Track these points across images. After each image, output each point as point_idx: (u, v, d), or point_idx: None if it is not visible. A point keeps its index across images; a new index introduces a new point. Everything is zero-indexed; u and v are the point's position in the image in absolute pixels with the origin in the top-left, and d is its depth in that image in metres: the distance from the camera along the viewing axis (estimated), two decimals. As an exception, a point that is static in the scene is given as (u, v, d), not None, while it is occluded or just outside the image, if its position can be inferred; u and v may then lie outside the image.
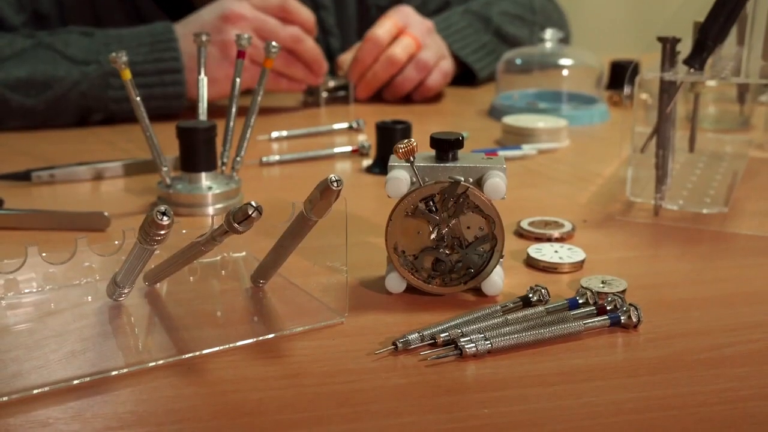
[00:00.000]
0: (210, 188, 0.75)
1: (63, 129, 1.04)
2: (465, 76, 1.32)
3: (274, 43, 0.76)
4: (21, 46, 1.02)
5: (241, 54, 0.77)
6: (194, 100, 0.90)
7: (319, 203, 0.49)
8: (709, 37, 0.69)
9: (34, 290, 0.55)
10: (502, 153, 0.92)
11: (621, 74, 1.27)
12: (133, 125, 0.94)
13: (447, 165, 0.56)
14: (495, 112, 1.13)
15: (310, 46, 1.10)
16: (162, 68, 1.04)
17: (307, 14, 1.10)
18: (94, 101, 1.03)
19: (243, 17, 1.04)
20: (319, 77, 1.14)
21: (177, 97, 1.05)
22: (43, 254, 0.53)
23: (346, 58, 1.24)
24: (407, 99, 1.22)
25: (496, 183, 0.54)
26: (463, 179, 0.55)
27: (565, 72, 1.15)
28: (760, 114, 1.07)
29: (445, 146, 0.56)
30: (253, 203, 0.46)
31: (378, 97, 1.23)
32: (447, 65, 1.22)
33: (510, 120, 1.00)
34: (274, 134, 1.02)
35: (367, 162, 0.91)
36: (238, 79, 0.77)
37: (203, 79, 0.79)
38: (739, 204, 0.78)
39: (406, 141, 0.54)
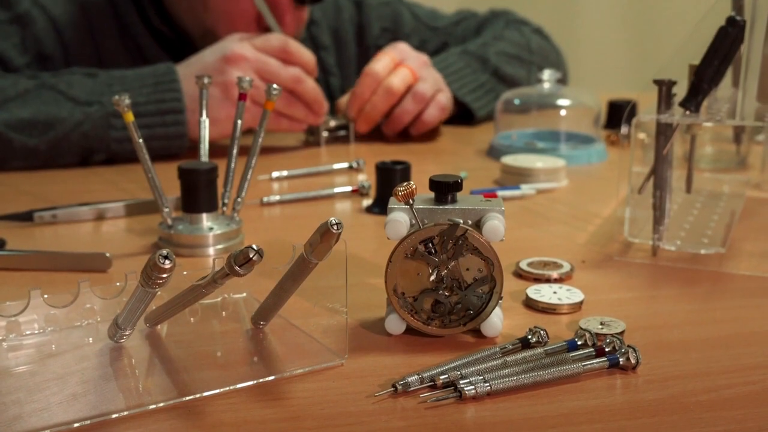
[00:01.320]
0: (211, 229, 0.75)
1: (65, 169, 1.05)
2: (463, 116, 1.33)
3: (275, 86, 0.77)
4: (24, 87, 1.03)
5: (242, 96, 0.78)
6: (196, 141, 0.91)
7: (319, 246, 0.50)
8: (704, 80, 0.70)
9: (36, 332, 0.55)
10: (501, 193, 0.93)
11: (618, 114, 1.29)
12: (135, 165, 0.95)
13: (446, 207, 0.57)
14: (494, 152, 1.14)
15: (311, 87, 1.11)
16: (164, 109, 1.05)
17: (307, 55, 1.11)
18: (96, 141, 1.04)
19: (244, 58, 1.06)
20: (320, 117, 1.15)
21: (179, 137, 1.06)
22: (45, 296, 0.53)
23: (345, 101, 1.24)
24: (405, 134, 1.23)
25: (495, 225, 0.55)
26: (461, 221, 0.55)
27: (563, 112, 1.17)
28: (756, 153, 1.08)
29: (444, 189, 0.57)
30: (254, 246, 0.46)
31: (378, 136, 1.24)
32: (444, 98, 1.23)
33: (509, 160, 1.01)
34: (275, 174, 1.02)
35: (366, 202, 0.92)
36: (239, 121, 0.78)
37: (205, 121, 0.80)
38: (736, 244, 0.78)
39: (405, 184, 0.54)
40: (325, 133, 1.22)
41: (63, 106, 1.02)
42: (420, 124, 1.22)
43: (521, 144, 1.15)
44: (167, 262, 0.45)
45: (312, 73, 1.12)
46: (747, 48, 0.72)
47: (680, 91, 0.73)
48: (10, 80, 1.04)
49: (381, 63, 1.19)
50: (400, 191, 0.54)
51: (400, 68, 1.19)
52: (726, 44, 0.70)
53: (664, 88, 0.73)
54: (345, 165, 1.06)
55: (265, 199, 0.91)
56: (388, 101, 1.18)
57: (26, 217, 0.83)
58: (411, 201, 0.55)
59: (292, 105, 1.11)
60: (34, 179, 1.01)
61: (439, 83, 1.24)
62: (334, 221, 0.49)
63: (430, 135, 1.26)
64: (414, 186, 0.54)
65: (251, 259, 0.46)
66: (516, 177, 0.99)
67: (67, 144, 1.03)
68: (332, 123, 1.22)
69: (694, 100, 0.71)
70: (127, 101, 0.71)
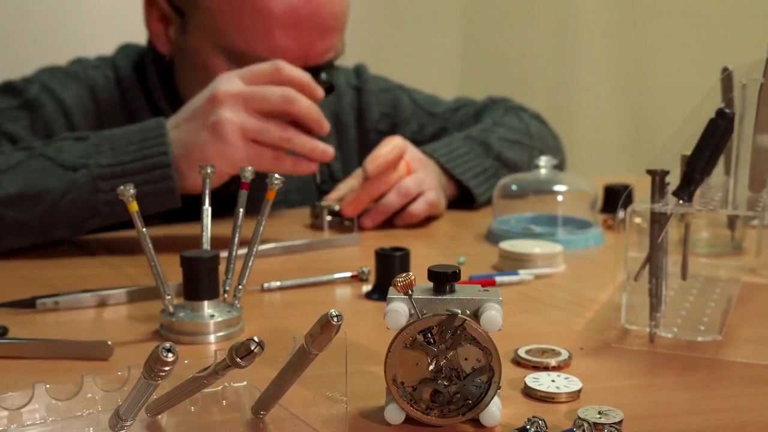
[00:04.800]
0: (212, 316, 0.76)
1: (67, 256, 1.05)
2: (464, 200, 1.34)
3: (277, 175, 0.78)
4: (16, 159, 1.02)
5: (244, 185, 0.80)
6: (192, 191, 0.95)
7: (319, 337, 0.51)
8: (696, 170, 0.72)
9: (37, 422, 0.56)
10: (499, 279, 0.94)
11: (615, 198, 1.31)
12: (136, 249, 0.96)
13: (444, 297, 0.58)
14: (492, 236, 1.15)
15: (306, 105, 1.04)
16: (150, 165, 1.02)
17: (300, 73, 1.06)
18: (85, 209, 1.02)
19: (230, 95, 1.01)
20: (322, 134, 1.07)
21: (168, 192, 1.03)
22: (47, 386, 0.54)
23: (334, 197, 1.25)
24: (390, 224, 1.22)
25: (492, 316, 0.56)
26: (460, 312, 0.56)
27: (560, 197, 1.18)
28: (751, 238, 1.09)
29: (442, 279, 0.58)
30: (255, 338, 0.47)
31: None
32: (433, 196, 1.22)
33: (506, 245, 1.02)
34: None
35: (366, 288, 0.93)
36: (241, 210, 0.80)
37: (207, 209, 0.81)
38: (733, 330, 0.79)
39: (404, 275, 0.55)
40: (329, 217, 1.22)
41: (51, 175, 1.01)
42: (406, 215, 1.21)
43: (519, 229, 1.17)
44: (170, 355, 0.46)
45: (306, 91, 1.05)
46: (737, 139, 0.74)
47: (673, 179, 0.75)
48: (5, 154, 1.04)
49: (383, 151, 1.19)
50: (399, 282, 0.55)
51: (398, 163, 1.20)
52: (716, 136, 0.72)
53: (657, 177, 0.74)
54: (345, 250, 1.07)
55: (266, 285, 0.92)
56: (378, 191, 1.19)
57: (29, 303, 0.84)
58: (410, 291, 0.56)
59: (289, 132, 1.03)
60: (35, 264, 1.01)
61: (428, 182, 1.23)
62: (334, 313, 0.50)
63: (430, 218, 1.27)
64: (413, 277, 0.56)
65: (252, 351, 0.47)
66: (514, 262, 1.00)
67: (58, 214, 1.01)
68: (336, 207, 1.22)
69: (686, 189, 0.73)
70: (132, 191, 0.73)
